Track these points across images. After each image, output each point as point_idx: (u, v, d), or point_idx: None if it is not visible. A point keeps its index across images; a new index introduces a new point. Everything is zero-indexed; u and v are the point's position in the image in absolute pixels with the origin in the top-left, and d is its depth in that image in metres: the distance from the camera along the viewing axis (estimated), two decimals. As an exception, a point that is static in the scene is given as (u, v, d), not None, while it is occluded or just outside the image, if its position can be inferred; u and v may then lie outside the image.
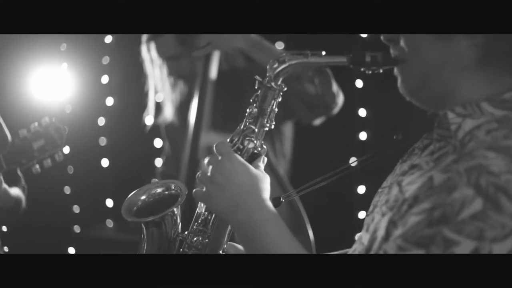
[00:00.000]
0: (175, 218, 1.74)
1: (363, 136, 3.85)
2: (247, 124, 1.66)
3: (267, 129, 1.67)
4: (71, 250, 4.59)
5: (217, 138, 3.02)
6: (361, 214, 3.76)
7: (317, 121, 3.12)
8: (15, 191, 2.70)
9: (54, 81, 4.42)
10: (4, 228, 4.49)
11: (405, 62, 1.46)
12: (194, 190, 1.60)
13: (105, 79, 4.53)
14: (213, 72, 3.08)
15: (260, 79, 1.64)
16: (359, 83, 3.62)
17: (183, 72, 3.17)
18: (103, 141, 4.63)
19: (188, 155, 3.05)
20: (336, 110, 3.01)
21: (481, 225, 1.21)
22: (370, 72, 1.55)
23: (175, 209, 1.73)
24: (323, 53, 1.60)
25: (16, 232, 4.43)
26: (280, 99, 1.66)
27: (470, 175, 1.23)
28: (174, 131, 3.32)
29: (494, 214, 1.21)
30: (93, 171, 4.60)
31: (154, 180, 3.88)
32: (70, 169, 4.63)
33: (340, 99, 2.99)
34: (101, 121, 4.60)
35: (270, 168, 2.90)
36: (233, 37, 2.82)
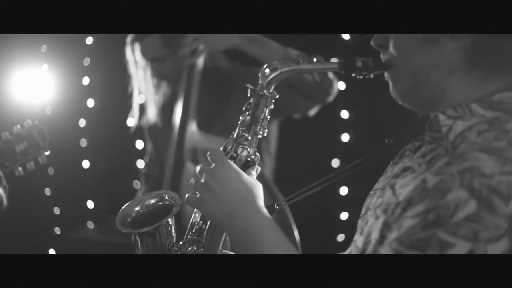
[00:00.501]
0: (169, 228, 1.73)
1: (345, 137, 3.87)
2: (240, 132, 1.67)
3: (260, 136, 1.67)
4: (52, 252, 4.56)
5: (202, 138, 3.02)
6: (343, 215, 3.77)
7: (312, 111, 3.13)
8: None
9: (34, 82, 4.38)
10: (-16, 231, 4.47)
11: (395, 67, 1.48)
12: (187, 196, 1.59)
13: (86, 80, 4.51)
14: (198, 73, 3.07)
15: (252, 87, 1.65)
16: (341, 85, 3.63)
17: (167, 73, 3.16)
18: (84, 142, 4.60)
19: (173, 156, 3.04)
20: (332, 97, 3.03)
21: (475, 227, 1.22)
22: (361, 77, 1.56)
23: (169, 220, 1.72)
24: (314, 59, 1.61)
25: (-5, 234, 4.41)
26: (272, 107, 1.67)
27: (463, 177, 1.24)
28: (158, 132, 3.31)
29: (488, 216, 1.22)
30: (74, 172, 4.58)
31: (136, 181, 3.88)
32: (51, 171, 4.60)
33: (336, 85, 3.00)
34: (82, 123, 4.57)
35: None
36: (226, 35, 2.83)
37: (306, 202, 1.77)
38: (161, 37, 3.06)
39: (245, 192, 1.54)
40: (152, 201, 1.79)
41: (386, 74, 1.51)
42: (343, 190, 3.77)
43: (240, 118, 1.66)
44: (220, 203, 1.52)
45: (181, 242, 1.70)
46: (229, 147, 1.66)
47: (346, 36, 3.63)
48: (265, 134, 1.69)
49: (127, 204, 1.78)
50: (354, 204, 1.76)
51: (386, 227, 1.35)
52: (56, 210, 4.65)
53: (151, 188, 3.43)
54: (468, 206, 1.22)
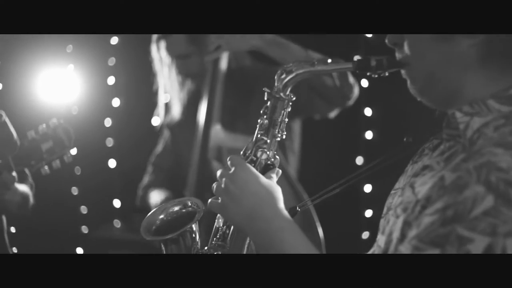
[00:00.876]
0: (193, 234, 1.74)
1: (369, 135, 3.86)
2: (259, 135, 1.67)
3: (278, 139, 1.67)
4: (79, 251, 4.61)
5: (226, 137, 3.03)
6: (368, 213, 3.77)
7: (333, 114, 3.14)
8: (22, 188, 2.74)
9: (60, 82, 4.44)
10: (13, 229, 4.52)
11: (409, 65, 1.49)
12: (209, 201, 1.60)
13: (111, 80, 4.55)
14: (222, 71, 3.10)
15: (269, 91, 1.65)
16: (364, 83, 3.62)
17: (192, 71, 3.19)
18: (110, 142, 4.65)
19: (198, 154, 3.06)
20: (352, 101, 3.04)
21: (493, 221, 1.22)
22: (376, 76, 1.57)
23: (193, 226, 1.73)
24: (329, 60, 1.61)
25: (24, 233, 4.46)
26: (289, 109, 1.67)
27: (480, 172, 1.24)
28: (180, 128, 3.32)
29: (506, 210, 1.22)
30: (101, 172, 4.62)
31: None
32: (78, 170, 4.65)
33: (356, 90, 3.01)
34: (108, 122, 4.62)
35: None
36: (248, 36, 2.85)
37: (330, 200, 1.77)
38: (186, 35, 3.08)
39: (265, 195, 1.54)
40: (176, 208, 1.80)
41: (402, 72, 1.52)
42: (367, 188, 3.77)
43: (259, 121, 1.67)
44: (240, 206, 1.53)
45: (206, 248, 1.70)
46: (249, 151, 1.66)
47: (368, 35, 3.62)
48: (284, 137, 1.68)
49: (151, 212, 1.79)
50: (378, 201, 1.76)
51: (406, 226, 1.35)
52: (83, 209, 4.70)
53: (156, 180, 3.45)
54: (485, 201, 1.23)
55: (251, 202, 1.53)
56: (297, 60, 1.65)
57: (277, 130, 1.67)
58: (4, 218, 2.90)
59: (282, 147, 3.14)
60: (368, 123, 3.86)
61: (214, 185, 1.59)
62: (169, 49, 3.16)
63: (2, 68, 4.46)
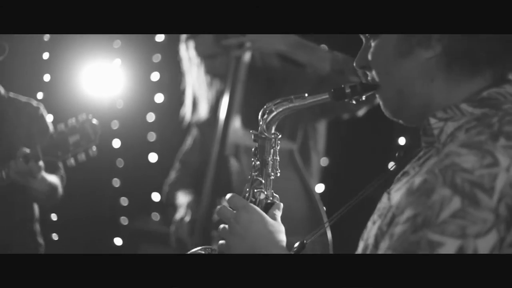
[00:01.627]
0: None
1: (402, 141, 3.85)
2: (254, 177, 1.70)
3: (273, 177, 1.70)
4: (118, 241, 4.72)
5: (245, 135, 3.07)
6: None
7: (361, 112, 3.12)
8: (52, 178, 2.84)
9: (106, 76, 4.55)
10: (54, 217, 4.68)
11: (380, 86, 1.51)
12: (219, 243, 1.64)
13: (155, 76, 4.64)
14: (244, 70, 3.11)
15: (256, 132, 1.68)
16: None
17: (219, 70, 3.21)
18: (152, 136, 4.74)
19: (216, 151, 3.11)
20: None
21: (462, 223, 1.22)
22: (354, 102, 1.60)
23: None
24: (306, 94, 1.63)
25: (65, 221, 4.60)
26: (279, 147, 1.70)
27: (445, 174, 1.25)
28: (206, 126, 3.38)
29: (473, 210, 1.22)
30: (142, 165, 4.72)
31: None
32: (120, 163, 4.76)
33: None
34: (151, 117, 4.71)
35: (293, 166, 2.97)
36: (273, 39, 2.88)
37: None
38: (213, 35, 3.12)
39: (268, 232, 1.57)
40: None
41: (377, 94, 1.54)
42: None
43: (252, 163, 1.70)
44: (244, 243, 1.57)
45: None
46: (247, 194, 1.69)
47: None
48: (278, 174, 1.70)
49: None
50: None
51: (379, 232, 1.37)
52: (124, 201, 4.81)
53: (182, 177, 3.49)
54: (452, 203, 1.22)
55: (254, 240, 1.56)
56: (275, 100, 1.66)
57: (270, 169, 1.70)
58: (36, 207, 3.02)
59: (305, 147, 3.17)
60: (401, 129, 3.84)
61: (220, 227, 1.64)
62: (198, 49, 3.20)
63: (51, 60, 4.60)
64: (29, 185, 2.72)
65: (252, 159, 1.70)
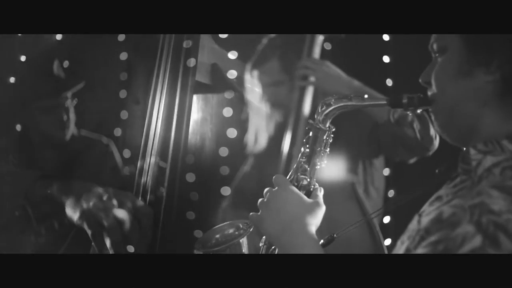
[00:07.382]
0: (242, 249, 1.91)
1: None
2: (301, 162, 1.79)
3: (318, 167, 1.78)
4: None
5: None
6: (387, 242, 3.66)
7: (412, 160, 3.20)
8: (120, 213, 2.72)
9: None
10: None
11: (435, 102, 1.56)
12: (250, 214, 1.74)
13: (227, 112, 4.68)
14: (307, 105, 3.17)
15: (312, 122, 1.77)
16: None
17: (280, 100, 3.26)
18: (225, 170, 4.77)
19: None
20: (431, 152, 3.07)
21: None
22: (409, 112, 1.67)
23: (240, 241, 1.90)
24: (365, 96, 1.72)
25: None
26: (331, 140, 1.78)
27: (473, 212, 1.28)
28: (263, 157, 3.40)
29: (492, 250, 1.24)
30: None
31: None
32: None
33: (436, 142, 3.06)
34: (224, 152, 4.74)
35: (356, 199, 3.00)
36: (339, 82, 2.99)
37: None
38: (280, 62, 3.21)
39: (299, 213, 1.66)
40: (230, 231, 1.97)
41: (430, 109, 1.60)
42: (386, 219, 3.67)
43: (301, 149, 1.78)
44: (275, 221, 1.67)
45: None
46: (291, 177, 1.78)
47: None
48: (323, 165, 1.78)
49: (211, 229, 1.98)
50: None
51: (407, 253, 1.40)
52: (198, 233, 4.83)
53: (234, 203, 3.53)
54: (474, 240, 1.25)
55: (285, 218, 1.65)
56: (336, 95, 1.76)
57: (317, 159, 1.78)
58: None
59: (363, 182, 3.20)
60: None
61: (260, 200, 1.73)
62: (261, 78, 3.24)
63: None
64: (101, 222, 2.61)
65: (302, 147, 1.78)
